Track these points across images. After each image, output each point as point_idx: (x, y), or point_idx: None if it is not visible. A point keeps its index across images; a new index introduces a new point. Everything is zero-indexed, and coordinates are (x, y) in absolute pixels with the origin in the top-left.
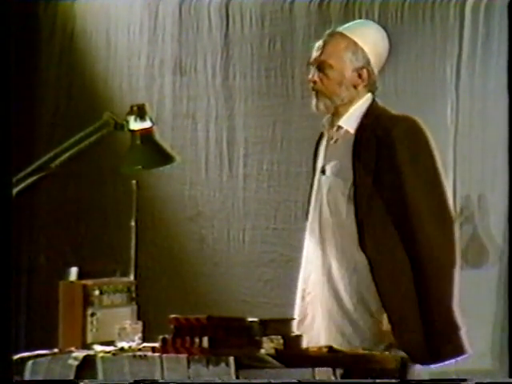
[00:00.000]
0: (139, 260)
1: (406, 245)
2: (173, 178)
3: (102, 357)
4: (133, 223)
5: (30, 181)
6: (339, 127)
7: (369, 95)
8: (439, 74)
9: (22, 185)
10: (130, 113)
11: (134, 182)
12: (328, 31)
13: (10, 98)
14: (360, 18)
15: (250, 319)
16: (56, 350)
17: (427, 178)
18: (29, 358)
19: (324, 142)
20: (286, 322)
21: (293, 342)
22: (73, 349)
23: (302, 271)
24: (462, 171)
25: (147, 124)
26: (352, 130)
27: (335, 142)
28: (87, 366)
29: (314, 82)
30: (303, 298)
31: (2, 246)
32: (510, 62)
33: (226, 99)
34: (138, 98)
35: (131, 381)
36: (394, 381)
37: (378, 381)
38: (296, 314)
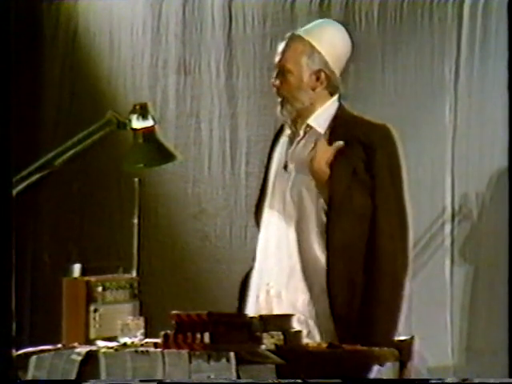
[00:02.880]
0: (142, 257)
1: (365, 250)
2: (176, 176)
3: (104, 352)
4: (136, 220)
5: (33, 178)
6: (308, 126)
7: (334, 98)
8: (438, 74)
9: (26, 182)
10: (133, 112)
11: (136, 179)
12: (288, 34)
13: (10, 98)
14: (360, 18)
15: (251, 315)
16: (59, 346)
17: (397, 188)
18: (32, 353)
19: (284, 140)
20: (286, 317)
21: (293, 337)
22: (76, 344)
23: (261, 265)
24: (460, 169)
25: (149, 123)
26: (322, 130)
27: (301, 140)
28: (90, 361)
29: (277, 87)
30: (268, 291)
31: (3, 242)
32: (509, 62)
33: (229, 98)
34: (141, 97)
35: (133, 378)
36: (394, 379)
37: (378, 378)
38: (261, 309)
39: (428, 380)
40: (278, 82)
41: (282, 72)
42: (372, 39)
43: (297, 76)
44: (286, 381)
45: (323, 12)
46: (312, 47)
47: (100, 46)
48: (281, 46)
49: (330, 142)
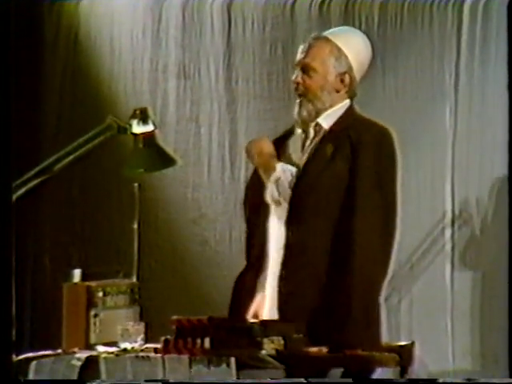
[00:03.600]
0: (142, 262)
1: (337, 248)
2: (176, 181)
3: (104, 357)
4: (135, 225)
5: (34, 183)
6: (317, 125)
7: (347, 100)
8: (438, 78)
9: (27, 187)
10: (133, 116)
11: (136, 184)
12: (313, 35)
13: (11, 102)
14: (360, 22)
15: (251, 320)
16: (59, 351)
17: (384, 190)
18: (33, 358)
19: (296, 139)
20: (287, 323)
21: (293, 342)
22: (76, 349)
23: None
24: (461, 174)
25: (150, 127)
26: (327, 127)
27: (312, 140)
28: (90, 366)
29: (297, 84)
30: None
31: (3, 247)
32: (509, 66)
33: (229, 103)
34: (141, 101)
35: (134, 381)
36: (397, 379)
37: (379, 378)
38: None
39: (435, 380)
40: (300, 79)
41: (306, 70)
42: (372, 44)
43: (322, 75)
44: (287, 380)
45: (323, 16)
46: (339, 50)
47: (100, 50)
48: (304, 45)
49: (326, 137)
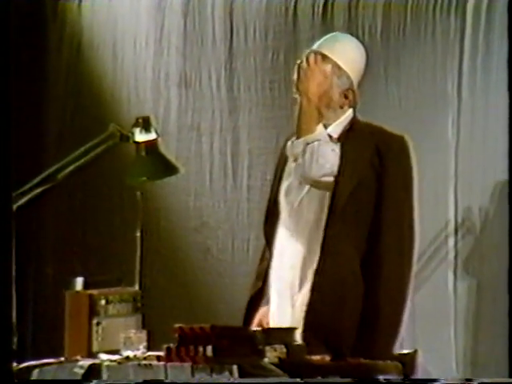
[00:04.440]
0: (144, 270)
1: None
2: (178, 189)
3: (107, 365)
4: (138, 234)
5: (36, 192)
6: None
7: (350, 111)
8: (441, 87)
9: (29, 196)
10: (136, 125)
11: (138, 193)
12: (308, 51)
13: (11, 111)
14: (363, 30)
15: (253, 328)
16: (62, 359)
17: (409, 201)
18: (35, 366)
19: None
20: (289, 331)
21: (296, 350)
22: (78, 357)
23: (282, 278)
24: (463, 183)
25: (152, 136)
26: (336, 136)
27: None
28: (93, 374)
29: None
30: (293, 304)
31: (3, 255)
32: (510, 75)
33: (231, 111)
34: (144, 110)
35: (133, 380)
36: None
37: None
38: (289, 321)
39: (436, 380)
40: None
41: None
42: (375, 52)
43: (327, 96)
44: (287, 380)
45: (326, 25)
46: (339, 68)
47: (103, 58)
48: (302, 64)
49: (346, 150)
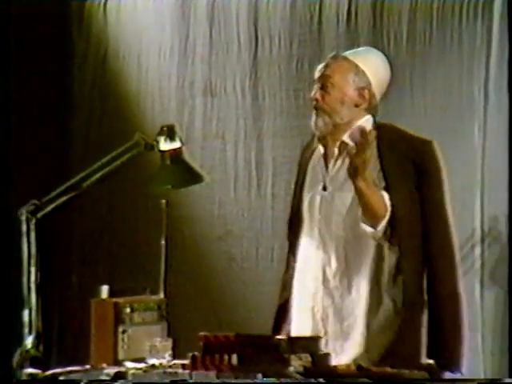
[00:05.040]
0: (169, 278)
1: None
2: (202, 198)
3: (133, 373)
4: (163, 242)
5: (62, 200)
6: (343, 143)
7: (369, 116)
8: (467, 95)
9: (55, 204)
10: (160, 133)
11: (163, 201)
12: (331, 54)
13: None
14: (388, 39)
15: (278, 337)
16: (88, 367)
17: (445, 203)
18: (60, 374)
19: (318, 159)
20: (314, 339)
21: (321, 359)
22: (104, 365)
23: (304, 288)
24: (490, 191)
25: (177, 144)
26: (352, 144)
27: (337, 159)
28: (119, 382)
29: (316, 100)
30: (314, 316)
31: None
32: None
33: (255, 120)
34: (168, 118)
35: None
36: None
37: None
38: (308, 332)
39: (456, 380)
40: (318, 95)
41: (325, 85)
42: (401, 60)
43: (341, 90)
44: (305, 380)
45: (351, 33)
46: (357, 67)
47: (128, 67)
48: (323, 63)
49: (382, 159)
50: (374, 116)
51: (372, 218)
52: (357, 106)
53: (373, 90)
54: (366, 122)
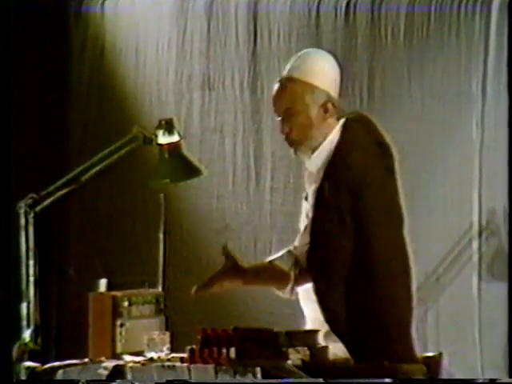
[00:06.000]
0: (167, 272)
1: (360, 252)
2: (200, 191)
3: (131, 367)
4: (161, 235)
5: (60, 194)
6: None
7: (340, 123)
8: (465, 89)
9: (53, 197)
10: (159, 127)
11: (162, 194)
12: (278, 79)
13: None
14: (386, 32)
15: (277, 330)
16: (86, 360)
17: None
18: (59, 367)
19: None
20: (312, 333)
21: (319, 353)
22: (103, 359)
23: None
24: (488, 185)
25: (175, 138)
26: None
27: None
28: (117, 375)
29: (286, 135)
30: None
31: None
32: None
33: (254, 113)
34: (166, 112)
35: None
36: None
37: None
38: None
39: (458, 380)
40: (287, 129)
41: (288, 118)
42: (398, 54)
43: (305, 115)
44: (304, 380)
45: (349, 27)
46: (310, 85)
47: (126, 61)
48: (274, 94)
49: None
50: (346, 118)
51: (277, 288)
52: (325, 119)
53: (333, 97)
54: (335, 135)
